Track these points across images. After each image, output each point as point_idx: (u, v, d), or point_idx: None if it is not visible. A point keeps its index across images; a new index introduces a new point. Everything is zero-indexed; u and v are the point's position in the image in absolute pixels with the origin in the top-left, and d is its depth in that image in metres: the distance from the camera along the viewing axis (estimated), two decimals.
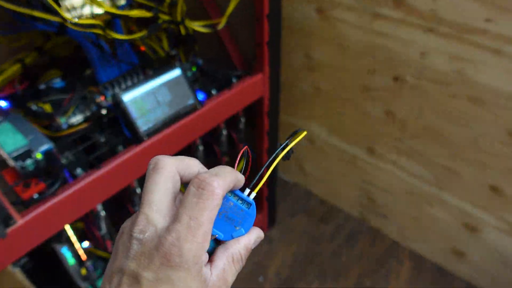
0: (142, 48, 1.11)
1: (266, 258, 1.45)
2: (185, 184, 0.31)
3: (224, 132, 1.13)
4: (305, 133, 0.35)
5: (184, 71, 0.95)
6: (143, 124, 0.88)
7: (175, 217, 0.28)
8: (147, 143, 0.88)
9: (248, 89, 1.10)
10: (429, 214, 1.35)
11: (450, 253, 1.37)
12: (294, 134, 0.35)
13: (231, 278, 0.31)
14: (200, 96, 1.06)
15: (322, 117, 1.46)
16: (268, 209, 1.46)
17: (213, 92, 1.06)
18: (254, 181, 0.32)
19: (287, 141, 0.34)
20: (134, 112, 0.87)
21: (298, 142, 0.35)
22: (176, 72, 0.93)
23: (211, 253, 0.31)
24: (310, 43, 1.33)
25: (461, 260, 1.36)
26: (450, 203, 1.28)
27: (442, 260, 1.41)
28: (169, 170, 0.30)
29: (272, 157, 0.33)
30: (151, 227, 0.28)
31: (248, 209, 0.31)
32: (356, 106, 1.34)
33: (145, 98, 0.88)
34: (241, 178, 0.32)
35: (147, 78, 0.90)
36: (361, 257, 1.46)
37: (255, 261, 1.43)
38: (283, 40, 1.20)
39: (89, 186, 0.82)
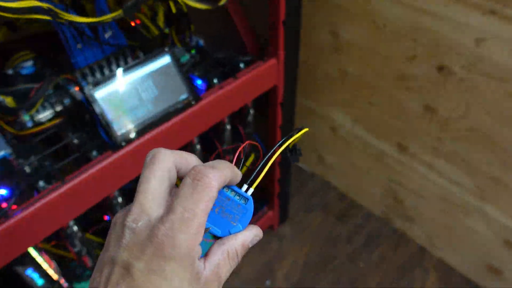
0: (133, 23, 0.92)
1: (275, 258, 1.31)
2: (181, 179, 0.30)
3: (228, 127, 0.96)
4: (306, 129, 0.34)
5: (175, 58, 0.77)
6: (120, 127, 0.71)
7: (169, 208, 0.27)
8: (125, 149, 0.73)
9: (259, 77, 0.92)
10: (465, 225, 1.17)
11: (484, 268, 1.20)
12: (297, 131, 0.34)
13: (224, 274, 0.30)
14: (199, 82, 0.88)
15: (348, 105, 1.26)
16: (280, 205, 1.31)
17: (215, 81, 0.88)
18: (252, 177, 0.32)
19: (285, 138, 0.33)
20: (109, 112, 0.70)
21: (301, 136, 0.34)
22: (164, 60, 0.75)
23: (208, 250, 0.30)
24: (337, 19, 1.11)
25: (497, 278, 1.18)
26: (492, 216, 1.09)
27: (474, 274, 1.24)
28: (167, 162, 0.29)
29: (270, 153, 0.32)
30: (145, 216, 0.27)
31: (245, 204, 0.31)
32: (388, 96, 1.13)
33: (123, 95, 0.71)
34: (238, 173, 0.31)
35: (127, 68, 0.72)
36: (382, 264, 1.30)
37: (263, 261, 1.30)
38: (304, 13, 0.99)
39: (54, 202, 0.68)
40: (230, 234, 0.31)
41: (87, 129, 0.78)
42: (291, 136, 0.33)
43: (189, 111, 0.79)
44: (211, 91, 0.84)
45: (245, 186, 0.32)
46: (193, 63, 0.90)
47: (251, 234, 0.31)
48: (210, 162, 0.30)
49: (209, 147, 1.00)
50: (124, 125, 0.71)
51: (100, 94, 0.69)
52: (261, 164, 0.32)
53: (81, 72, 0.82)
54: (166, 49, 0.75)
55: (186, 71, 0.87)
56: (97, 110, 0.69)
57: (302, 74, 1.30)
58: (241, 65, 0.92)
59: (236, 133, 1.03)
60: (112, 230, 0.28)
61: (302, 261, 1.31)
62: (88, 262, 0.82)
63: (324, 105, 1.33)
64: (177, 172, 0.30)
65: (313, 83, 1.31)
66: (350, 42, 1.12)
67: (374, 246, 1.34)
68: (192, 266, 0.27)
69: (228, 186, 0.31)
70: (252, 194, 0.32)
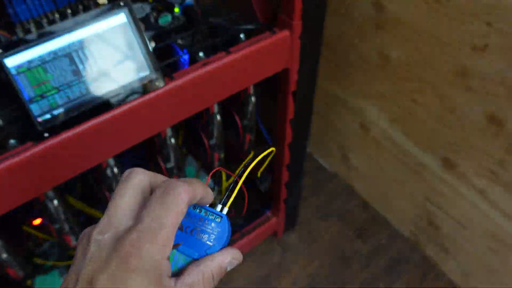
0: None
1: (274, 273, 1.10)
2: None
3: (218, 118, 0.73)
4: (272, 149, 0.33)
5: (133, 16, 0.54)
6: (43, 111, 0.50)
7: (137, 219, 0.26)
8: (51, 141, 0.52)
9: (262, 55, 0.68)
10: None
11: None
12: (263, 151, 0.33)
13: None
14: (181, 54, 0.65)
15: (386, 99, 0.99)
16: (287, 212, 1.08)
17: (200, 54, 0.65)
18: (225, 197, 0.31)
19: (252, 157, 0.31)
20: (27, 88, 0.49)
21: (267, 157, 0.33)
22: (118, 19, 0.53)
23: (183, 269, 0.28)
24: None
25: None
26: None
27: None
28: (142, 180, 0.28)
29: (240, 172, 0.32)
30: (112, 228, 0.26)
31: (220, 222, 0.30)
32: (441, 95, 0.86)
33: (50, 65, 0.50)
34: (210, 193, 0.30)
35: (60, 27, 0.51)
36: None
37: (259, 275, 1.10)
38: None
39: None
40: (207, 254, 0.29)
41: (17, 106, 0.57)
42: (256, 156, 0.32)
43: (152, 95, 0.57)
44: (190, 69, 0.61)
45: (219, 206, 0.31)
46: (177, 27, 0.67)
47: (229, 257, 0.29)
48: (183, 178, 0.29)
49: (194, 139, 0.78)
50: (50, 108, 0.50)
51: (14, 61, 0.48)
52: (232, 183, 0.31)
53: (22, 25, 0.61)
54: (121, 3, 0.52)
55: (161, 35, 0.65)
56: (9, 84, 0.48)
57: (330, 53, 1.05)
58: (241, 36, 0.68)
59: (232, 124, 0.80)
60: (79, 243, 0.27)
61: (306, 280, 1.09)
62: (15, 274, 0.65)
63: (355, 95, 1.07)
64: (151, 192, 0.28)
65: (344, 66, 1.04)
66: (398, 18, 0.85)
67: (396, 274, 1.10)
68: (159, 282, 0.25)
69: (200, 206, 0.30)
70: (228, 212, 0.30)
